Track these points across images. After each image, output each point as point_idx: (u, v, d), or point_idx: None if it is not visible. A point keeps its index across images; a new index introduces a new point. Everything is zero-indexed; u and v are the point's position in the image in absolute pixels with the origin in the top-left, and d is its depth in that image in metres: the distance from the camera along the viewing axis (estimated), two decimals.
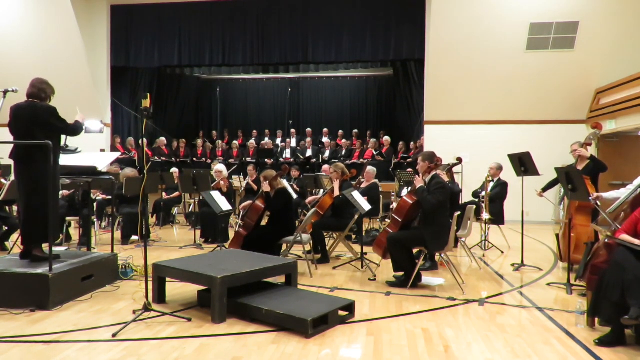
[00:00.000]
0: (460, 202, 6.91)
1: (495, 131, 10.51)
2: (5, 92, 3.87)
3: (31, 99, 4.19)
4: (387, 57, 11.23)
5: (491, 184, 7.05)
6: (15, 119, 4.13)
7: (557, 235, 5.60)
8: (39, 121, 4.10)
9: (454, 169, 6.80)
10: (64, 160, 4.56)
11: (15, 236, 6.04)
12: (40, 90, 4.21)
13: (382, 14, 10.78)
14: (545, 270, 5.49)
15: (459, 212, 4.91)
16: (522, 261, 5.64)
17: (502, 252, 6.62)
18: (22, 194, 4.18)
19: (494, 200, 6.90)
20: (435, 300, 4.20)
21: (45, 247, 4.25)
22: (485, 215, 6.62)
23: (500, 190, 7.00)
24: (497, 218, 6.86)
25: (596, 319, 3.41)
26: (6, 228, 6.36)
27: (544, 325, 3.58)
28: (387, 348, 3.08)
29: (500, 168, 7.15)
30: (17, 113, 4.13)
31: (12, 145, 4.14)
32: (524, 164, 5.65)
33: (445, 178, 5.35)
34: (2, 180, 6.38)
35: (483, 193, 6.84)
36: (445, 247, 4.56)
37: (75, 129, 4.33)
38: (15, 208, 6.45)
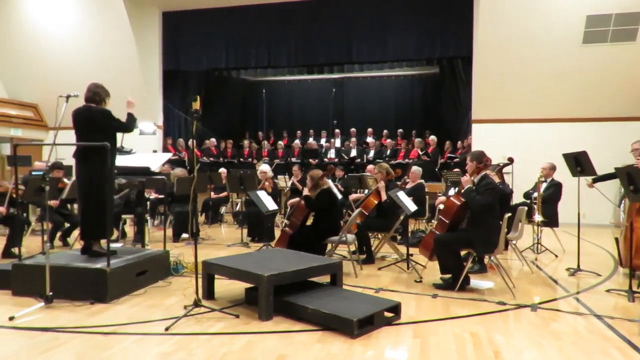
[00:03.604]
0: (511, 204, 6.67)
1: (548, 129, 10.06)
2: (68, 97, 4.12)
3: (87, 103, 4.44)
4: (433, 55, 11.00)
5: (544, 185, 6.76)
6: (75, 123, 4.39)
7: (617, 239, 5.29)
8: (94, 124, 4.34)
9: (504, 170, 6.57)
10: (120, 161, 4.79)
11: (76, 232, 6.40)
12: (95, 94, 4.45)
13: (428, 10, 10.57)
14: (604, 276, 5.20)
15: (509, 214, 4.74)
16: (579, 266, 5.37)
17: (556, 256, 6.33)
18: (81, 193, 4.43)
19: (547, 202, 6.60)
20: (484, 304, 4.08)
21: (103, 243, 4.49)
22: (538, 217, 6.36)
23: (554, 191, 6.70)
24: (551, 220, 6.57)
25: None
26: (68, 225, 6.76)
27: (603, 333, 3.39)
28: (434, 351, 3.03)
29: (553, 168, 6.85)
30: (75, 117, 4.38)
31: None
32: (580, 163, 5.38)
33: (496, 179, 5.18)
34: (65, 180, 6.79)
35: (535, 194, 6.57)
36: (495, 250, 4.42)
37: (130, 124, 4.50)
38: (76, 206, 6.84)
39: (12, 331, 3.35)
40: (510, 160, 6.47)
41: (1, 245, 5.92)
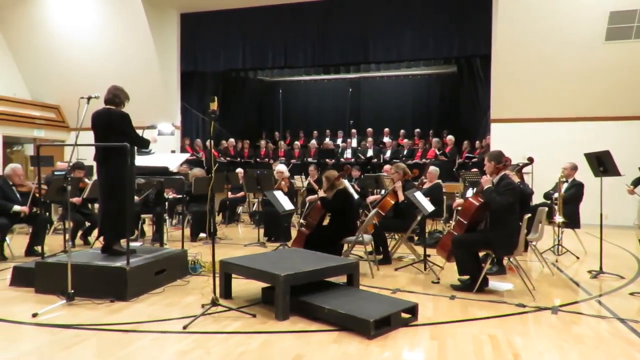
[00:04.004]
0: (531, 204, 6.56)
1: (569, 128, 9.84)
2: (89, 99, 4.19)
3: (107, 105, 4.51)
4: (451, 54, 10.89)
5: (565, 185, 6.63)
6: (94, 125, 4.46)
7: None
8: (113, 127, 4.40)
9: (524, 170, 6.47)
10: (139, 161, 4.86)
11: (97, 232, 6.51)
12: (115, 96, 4.52)
13: (445, 8, 10.46)
14: (628, 279, 5.07)
15: (529, 215, 4.66)
16: (601, 268, 5.24)
17: (578, 258, 6.20)
18: (101, 193, 4.51)
19: (568, 202, 6.47)
20: (503, 306, 4.02)
21: (123, 242, 4.56)
22: (559, 218, 6.23)
23: (575, 192, 6.56)
24: (572, 221, 6.43)
25: None
26: (89, 224, 6.88)
27: (626, 337, 3.31)
28: (451, 353, 2.99)
29: (575, 168, 6.71)
30: (95, 120, 4.45)
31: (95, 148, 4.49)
32: (602, 163, 5.26)
33: (516, 179, 5.10)
34: (86, 180, 6.91)
35: (555, 194, 6.45)
36: (515, 251, 4.35)
37: (142, 142, 4.57)
38: (97, 206, 6.96)
39: (35, 327, 3.43)
40: (530, 160, 6.37)
41: (24, 243, 6.06)
